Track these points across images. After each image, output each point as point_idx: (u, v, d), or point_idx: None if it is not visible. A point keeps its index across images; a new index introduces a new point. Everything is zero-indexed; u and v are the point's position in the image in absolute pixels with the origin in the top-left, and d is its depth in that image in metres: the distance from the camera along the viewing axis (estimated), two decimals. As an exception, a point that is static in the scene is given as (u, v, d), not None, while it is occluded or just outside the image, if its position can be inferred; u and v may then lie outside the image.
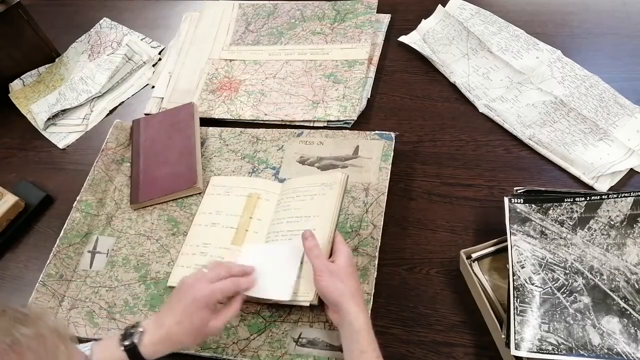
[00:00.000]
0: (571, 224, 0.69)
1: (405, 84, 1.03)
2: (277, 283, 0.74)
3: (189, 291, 0.67)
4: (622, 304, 0.63)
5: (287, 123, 1.00)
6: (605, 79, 0.93)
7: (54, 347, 0.44)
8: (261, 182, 0.90)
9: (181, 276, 0.73)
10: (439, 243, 0.81)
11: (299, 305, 0.77)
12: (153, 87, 1.14)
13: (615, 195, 0.68)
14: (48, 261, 0.85)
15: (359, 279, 0.77)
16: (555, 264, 0.67)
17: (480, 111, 0.95)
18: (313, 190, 0.82)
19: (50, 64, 1.27)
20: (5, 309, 0.44)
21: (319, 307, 0.76)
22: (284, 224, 0.81)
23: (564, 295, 0.65)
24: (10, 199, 0.96)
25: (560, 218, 0.70)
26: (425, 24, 1.10)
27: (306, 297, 0.73)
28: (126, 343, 0.64)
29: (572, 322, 0.63)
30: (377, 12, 1.13)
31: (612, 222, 0.67)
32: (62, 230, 0.89)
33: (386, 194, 0.85)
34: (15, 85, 1.23)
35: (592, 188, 0.82)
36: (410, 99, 1.00)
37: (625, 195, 0.68)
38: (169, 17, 1.29)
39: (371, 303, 0.75)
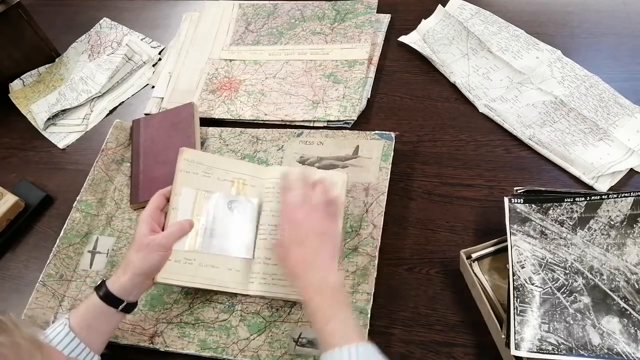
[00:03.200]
0: (571, 224, 0.69)
1: (405, 84, 1.03)
2: (237, 242, 0.80)
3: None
4: (622, 304, 0.63)
5: (287, 123, 1.00)
6: (605, 79, 0.93)
7: (29, 355, 0.44)
8: (244, 165, 0.87)
9: (169, 269, 0.74)
10: (439, 243, 0.81)
11: (299, 305, 0.77)
12: (153, 87, 1.14)
13: (615, 195, 0.68)
14: (48, 261, 0.85)
15: (359, 279, 0.77)
16: (555, 264, 0.67)
17: (480, 111, 0.95)
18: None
19: (50, 64, 1.27)
20: None
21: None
22: (280, 217, 0.80)
23: (564, 295, 0.65)
24: (10, 199, 0.96)
25: (560, 218, 0.70)
26: (425, 24, 1.10)
27: None
28: (98, 291, 0.70)
29: (572, 322, 0.63)
30: (377, 12, 1.13)
31: (612, 222, 0.67)
32: (62, 230, 0.89)
33: (386, 193, 0.85)
34: (15, 85, 1.23)
35: (592, 188, 0.82)
36: (410, 99, 1.00)
37: (625, 195, 0.68)
38: (169, 17, 1.29)
39: (371, 303, 0.75)
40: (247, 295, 0.79)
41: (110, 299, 0.70)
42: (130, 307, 0.72)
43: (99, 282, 0.72)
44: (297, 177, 0.75)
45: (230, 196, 0.81)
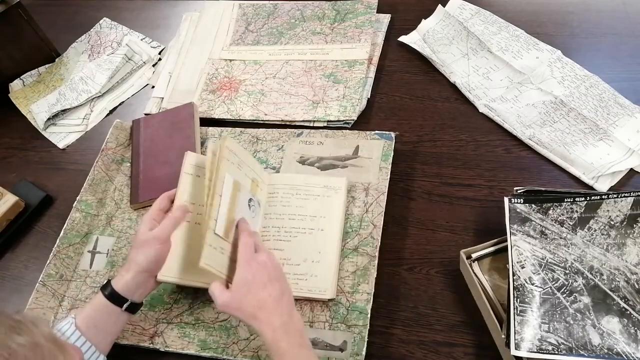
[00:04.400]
0: (571, 224, 0.69)
1: (405, 84, 1.03)
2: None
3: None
4: (622, 304, 0.63)
5: (287, 123, 1.00)
6: (605, 79, 0.93)
7: (51, 356, 0.43)
8: (259, 167, 0.86)
9: (172, 266, 0.74)
10: (439, 243, 0.81)
11: (299, 305, 0.77)
12: (153, 87, 1.14)
13: (615, 195, 0.68)
14: (48, 261, 0.85)
15: (359, 279, 0.78)
16: (555, 264, 0.67)
17: (480, 111, 0.95)
18: (315, 190, 0.84)
19: (50, 64, 1.27)
20: (0, 318, 0.43)
21: (319, 307, 0.77)
22: (285, 220, 0.82)
23: (564, 295, 0.65)
24: (10, 199, 0.96)
25: (560, 218, 0.70)
26: (425, 24, 1.10)
27: (324, 295, 0.76)
28: (104, 290, 0.71)
29: (572, 322, 0.63)
30: (377, 12, 1.13)
31: (612, 222, 0.67)
32: (62, 230, 0.89)
33: (386, 193, 0.85)
34: (15, 85, 1.23)
35: (592, 188, 0.82)
36: (410, 99, 1.00)
37: (625, 195, 0.68)
38: (169, 17, 1.29)
39: (371, 303, 0.75)
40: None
41: (115, 298, 0.70)
42: (135, 307, 0.72)
43: (104, 282, 0.73)
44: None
45: (250, 194, 0.80)
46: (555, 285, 0.66)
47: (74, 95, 1.15)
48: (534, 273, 0.67)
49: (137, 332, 0.79)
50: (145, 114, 1.08)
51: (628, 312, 0.62)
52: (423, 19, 1.11)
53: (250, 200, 0.80)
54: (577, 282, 0.65)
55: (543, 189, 0.74)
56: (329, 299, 0.76)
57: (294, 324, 0.65)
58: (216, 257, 0.70)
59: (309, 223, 0.81)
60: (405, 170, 0.90)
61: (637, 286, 0.63)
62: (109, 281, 0.72)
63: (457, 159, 0.90)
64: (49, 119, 1.12)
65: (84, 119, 1.13)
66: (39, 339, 0.43)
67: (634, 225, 0.66)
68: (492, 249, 0.75)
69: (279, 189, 0.85)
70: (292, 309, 0.67)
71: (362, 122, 0.98)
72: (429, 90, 1.01)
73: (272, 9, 1.20)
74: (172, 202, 0.77)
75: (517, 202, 0.73)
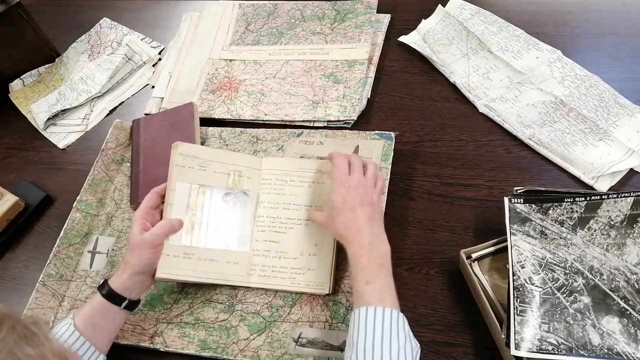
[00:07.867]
0: (571, 224, 0.69)
1: (405, 84, 1.03)
2: (232, 235, 0.80)
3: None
4: (622, 304, 0.63)
5: (287, 123, 1.00)
6: (605, 79, 0.93)
7: None
8: (240, 157, 0.86)
9: (168, 265, 0.74)
10: (439, 243, 0.81)
11: (299, 305, 0.77)
12: (153, 87, 1.14)
13: (615, 195, 0.68)
14: (48, 261, 0.85)
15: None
16: (555, 264, 0.67)
17: (480, 111, 0.95)
18: (308, 176, 0.83)
19: (50, 64, 1.27)
20: (15, 325, 0.43)
21: (319, 307, 0.77)
22: (280, 210, 0.82)
23: (564, 295, 0.65)
24: (10, 199, 0.96)
25: (560, 218, 0.70)
26: (425, 24, 1.10)
27: (322, 289, 0.76)
28: (101, 289, 0.72)
29: (572, 322, 0.63)
30: (377, 12, 1.13)
31: (612, 222, 0.67)
32: (62, 230, 0.89)
33: (386, 193, 0.85)
34: (15, 85, 1.23)
35: (592, 188, 0.82)
36: (410, 99, 1.00)
37: (625, 195, 0.68)
38: (169, 17, 1.29)
39: (371, 303, 0.75)
40: (247, 294, 0.79)
41: (113, 297, 0.71)
42: (132, 305, 0.73)
43: (101, 282, 0.73)
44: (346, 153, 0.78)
45: (224, 189, 0.81)
46: (555, 285, 0.66)
47: (74, 95, 1.16)
48: (534, 273, 0.67)
49: (137, 332, 0.79)
50: (145, 114, 1.08)
51: (628, 312, 0.62)
52: (423, 19, 1.11)
53: (226, 195, 0.81)
54: (577, 282, 0.66)
55: (543, 189, 0.74)
56: (326, 294, 0.76)
57: (380, 246, 0.68)
58: (180, 264, 0.75)
59: (305, 214, 0.81)
60: (405, 170, 0.90)
61: (637, 286, 0.63)
62: (105, 280, 0.72)
63: (457, 159, 0.90)
64: (49, 119, 1.12)
65: (84, 119, 1.13)
66: (48, 355, 0.43)
67: (634, 225, 0.66)
68: (492, 249, 0.75)
69: (271, 175, 0.84)
70: (382, 234, 0.69)
71: (362, 122, 0.98)
72: (429, 90, 1.01)
73: (272, 9, 1.20)
74: (163, 197, 0.78)
75: (517, 202, 0.73)
